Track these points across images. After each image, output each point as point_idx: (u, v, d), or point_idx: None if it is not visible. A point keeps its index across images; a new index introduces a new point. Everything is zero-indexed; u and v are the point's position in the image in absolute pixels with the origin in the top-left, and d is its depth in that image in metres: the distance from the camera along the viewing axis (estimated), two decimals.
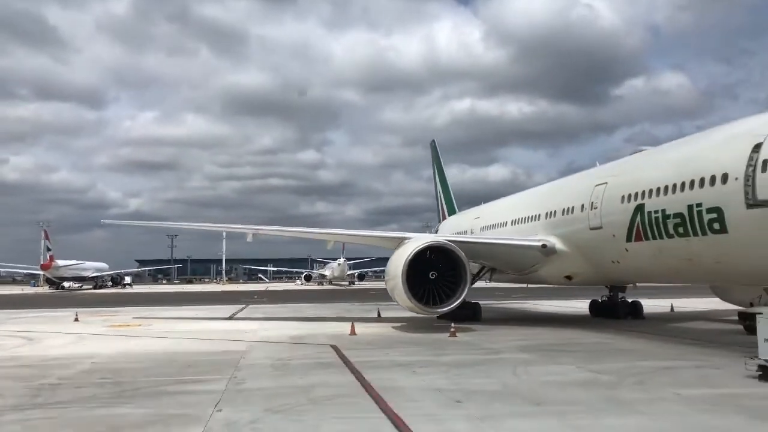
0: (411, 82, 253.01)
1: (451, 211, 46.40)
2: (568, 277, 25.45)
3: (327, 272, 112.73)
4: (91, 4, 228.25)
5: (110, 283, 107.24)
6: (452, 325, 22.19)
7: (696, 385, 12.11)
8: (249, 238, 31.92)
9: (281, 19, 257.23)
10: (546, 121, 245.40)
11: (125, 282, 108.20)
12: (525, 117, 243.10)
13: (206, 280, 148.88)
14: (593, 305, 31.99)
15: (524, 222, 28.44)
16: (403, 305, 24.17)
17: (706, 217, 16.94)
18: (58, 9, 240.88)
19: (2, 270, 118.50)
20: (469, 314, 28.30)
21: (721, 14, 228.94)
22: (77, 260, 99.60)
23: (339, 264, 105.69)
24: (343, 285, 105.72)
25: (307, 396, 11.04)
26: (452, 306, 23.82)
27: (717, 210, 16.56)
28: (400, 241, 26.33)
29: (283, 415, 9.55)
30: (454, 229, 40.44)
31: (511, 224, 30.06)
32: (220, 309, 40.41)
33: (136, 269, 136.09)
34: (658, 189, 19.04)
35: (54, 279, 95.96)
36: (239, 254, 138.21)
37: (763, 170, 14.87)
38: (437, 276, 24.32)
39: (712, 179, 16.74)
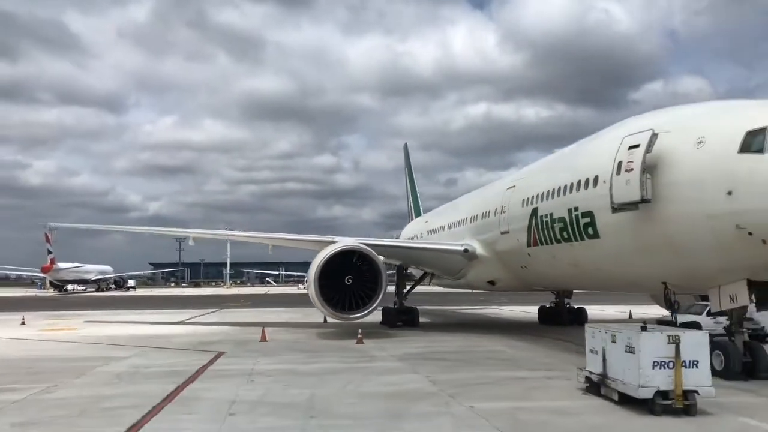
0: (427, 87, 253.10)
1: (417, 215, 46.02)
2: (491, 282, 24.95)
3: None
4: (112, 11, 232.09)
5: (113, 286, 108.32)
6: (359, 331, 21.84)
7: (508, 398, 11.71)
8: (191, 242, 31.89)
9: (298, 24, 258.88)
10: (563, 125, 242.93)
11: (128, 285, 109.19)
12: (542, 121, 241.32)
13: (213, 283, 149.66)
14: (541, 311, 31.43)
15: (456, 226, 28.03)
16: (320, 311, 23.83)
17: (582, 221, 16.45)
18: (79, 16, 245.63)
19: (11, 272, 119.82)
20: (408, 320, 28.05)
21: (739, 18, 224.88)
22: (79, 263, 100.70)
23: None
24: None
25: (88, 407, 10.88)
26: (366, 312, 23.35)
27: (590, 214, 16.07)
28: (326, 245, 26.03)
29: (22, 429, 9.40)
30: (411, 232, 40.09)
31: (448, 228, 29.66)
32: (186, 313, 40.35)
33: (142, 272, 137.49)
34: (548, 192, 18.58)
35: (55, 282, 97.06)
36: (253, 257, 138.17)
37: (618, 173, 14.32)
38: (358, 281, 23.92)
39: (586, 182, 16.25)
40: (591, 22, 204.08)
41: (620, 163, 14.28)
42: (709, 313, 21.67)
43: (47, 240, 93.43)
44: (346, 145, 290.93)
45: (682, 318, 21.61)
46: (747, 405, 10.91)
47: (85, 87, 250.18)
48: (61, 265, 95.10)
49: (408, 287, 30.60)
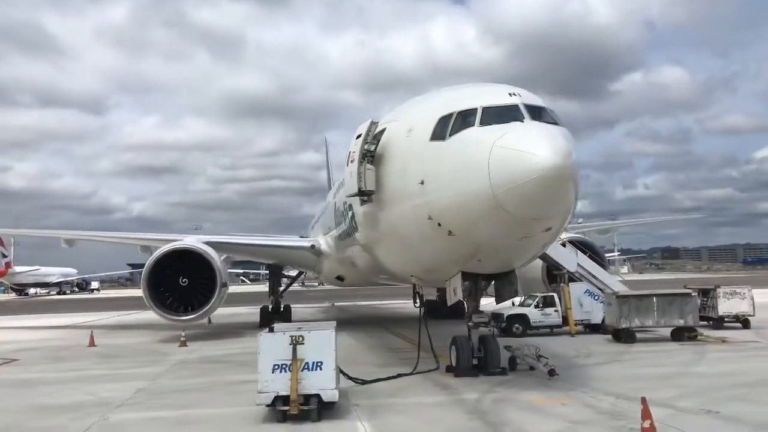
0: (409, 81, 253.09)
1: None
2: (340, 278, 24.27)
3: (293, 273, 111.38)
4: (89, 11, 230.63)
5: (77, 289, 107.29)
6: (182, 333, 21.19)
7: (173, 408, 11.20)
8: (63, 244, 30.97)
9: (277, 22, 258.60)
10: None
11: (92, 287, 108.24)
12: None
13: None
14: (428, 305, 30.70)
15: (317, 222, 27.40)
16: (154, 313, 22.90)
17: (348, 214, 15.83)
18: (56, 17, 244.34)
19: None
20: (281, 318, 27.43)
21: (715, 7, 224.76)
22: (38, 266, 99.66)
23: None
24: (313, 286, 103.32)
25: None
26: (199, 314, 22.40)
27: (351, 207, 15.40)
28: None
29: None
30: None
31: (314, 224, 29.06)
32: (102, 315, 39.15)
33: (119, 272, 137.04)
34: (341, 184, 17.91)
35: (14, 286, 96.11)
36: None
37: (347, 164, 13.64)
38: (199, 281, 22.93)
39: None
40: (569, 13, 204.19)
41: (349, 153, 13.60)
42: (536, 305, 21.20)
43: (1, 243, 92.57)
44: (330, 142, 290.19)
45: (512, 311, 21.14)
46: (396, 407, 10.32)
47: (65, 88, 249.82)
48: (18, 268, 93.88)
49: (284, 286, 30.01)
